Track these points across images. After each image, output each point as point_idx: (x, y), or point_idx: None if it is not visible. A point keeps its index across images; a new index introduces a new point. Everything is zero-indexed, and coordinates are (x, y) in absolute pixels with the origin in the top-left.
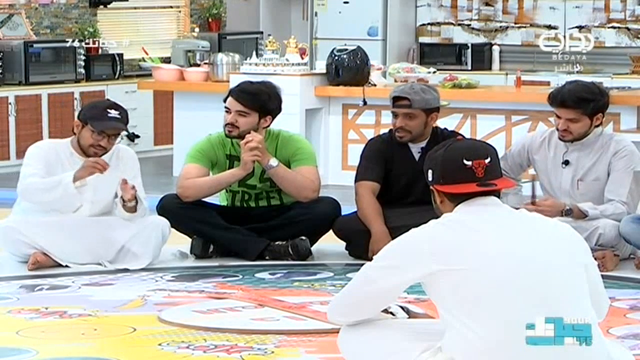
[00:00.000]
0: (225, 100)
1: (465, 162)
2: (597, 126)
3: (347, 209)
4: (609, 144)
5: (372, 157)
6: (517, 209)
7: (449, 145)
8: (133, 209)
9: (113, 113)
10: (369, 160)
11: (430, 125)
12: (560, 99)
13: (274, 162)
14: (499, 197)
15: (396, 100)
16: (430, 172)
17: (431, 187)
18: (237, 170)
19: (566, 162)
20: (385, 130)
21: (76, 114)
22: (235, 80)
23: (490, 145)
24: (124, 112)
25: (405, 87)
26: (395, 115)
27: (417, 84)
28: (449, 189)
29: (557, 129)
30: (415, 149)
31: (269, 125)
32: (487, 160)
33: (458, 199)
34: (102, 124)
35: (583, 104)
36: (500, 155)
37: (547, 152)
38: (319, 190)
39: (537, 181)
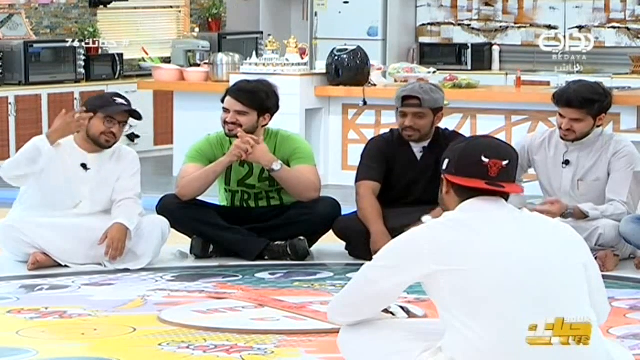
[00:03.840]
0: (223, 101)
1: (483, 158)
2: (598, 126)
3: (347, 209)
4: (609, 144)
5: (374, 157)
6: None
7: (474, 139)
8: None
9: (120, 100)
10: (370, 160)
11: (436, 125)
12: (566, 99)
13: (276, 165)
14: (506, 199)
15: (405, 99)
16: (446, 161)
17: (442, 176)
18: (224, 158)
19: (566, 162)
20: (385, 130)
21: None
22: (235, 80)
23: (514, 150)
24: (128, 101)
25: (414, 86)
26: (403, 114)
27: (424, 84)
28: (458, 180)
29: (560, 128)
30: (417, 149)
31: (267, 123)
32: (504, 162)
33: (465, 193)
34: (112, 109)
35: (589, 105)
36: None
37: (547, 152)
38: (320, 189)
39: None
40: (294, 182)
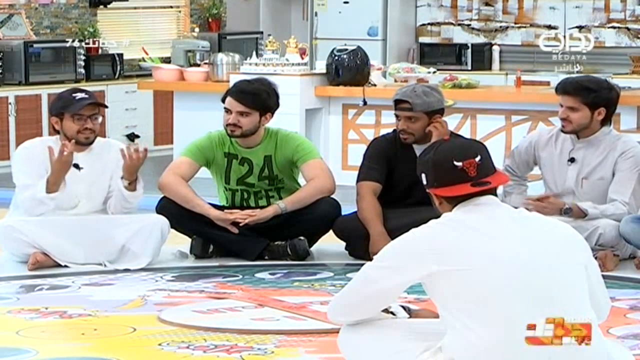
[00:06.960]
0: (223, 100)
1: (456, 163)
2: (602, 123)
3: (347, 209)
4: (616, 144)
5: (376, 157)
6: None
7: (437, 147)
8: (133, 187)
9: (79, 95)
10: (372, 161)
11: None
12: (563, 85)
13: (282, 205)
14: (496, 195)
15: (398, 103)
16: (423, 175)
17: (428, 190)
18: (212, 210)
19: (572, 160)
20: (385, 131)
21: None
22: (235, 81)
23: (479, 142)
24: (89, 93)
25: (407, 89)
26: (398, 117)
27: (419, 86)
28: (443, 191)
29: (560, 120)
30: (419, 150)
31: (268, 122)
32: (477, 159)
33: (455, 200)
34: (75, 107)
35: (583, 92)
36: (501, 154)
37: (554, 149)
38: (333, 178)
39: None
40: (308, 198)
